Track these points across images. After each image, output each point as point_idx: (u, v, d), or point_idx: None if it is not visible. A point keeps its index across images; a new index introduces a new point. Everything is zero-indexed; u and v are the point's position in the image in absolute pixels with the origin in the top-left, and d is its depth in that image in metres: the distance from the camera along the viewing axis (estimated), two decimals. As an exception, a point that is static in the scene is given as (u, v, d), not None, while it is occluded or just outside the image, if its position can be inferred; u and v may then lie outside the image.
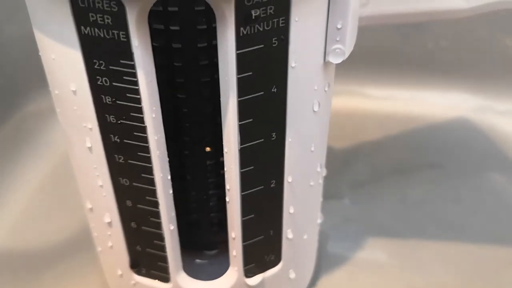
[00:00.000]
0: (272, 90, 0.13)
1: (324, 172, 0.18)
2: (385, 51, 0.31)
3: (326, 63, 0.14)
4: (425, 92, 0.32)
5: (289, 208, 0.16)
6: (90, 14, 0.12)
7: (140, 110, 0.13)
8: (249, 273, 0.17)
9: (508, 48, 0.30)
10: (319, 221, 0.19)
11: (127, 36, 0.12)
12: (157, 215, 0.15)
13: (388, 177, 0.27)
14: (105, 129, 0.13)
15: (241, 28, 0.12)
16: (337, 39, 0.14)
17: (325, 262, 0.22)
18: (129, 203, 0.15)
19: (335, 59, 0.14)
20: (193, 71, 0.14)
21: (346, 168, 0.27)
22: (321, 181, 0.18)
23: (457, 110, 0.31)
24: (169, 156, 0.14)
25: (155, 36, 0.13)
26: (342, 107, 0.30)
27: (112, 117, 0.13)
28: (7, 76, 0.27)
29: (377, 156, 0.28)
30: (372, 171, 0.27)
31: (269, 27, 0.12)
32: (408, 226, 0.24)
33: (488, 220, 0.24)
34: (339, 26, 0.13)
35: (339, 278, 0.21)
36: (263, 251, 0.17)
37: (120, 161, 0.14)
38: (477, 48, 0.31)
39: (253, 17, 0.12)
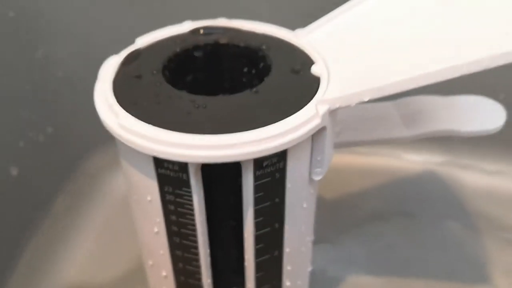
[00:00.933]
0: (275, 200, 0.21)
1: (312, 239, 0.25)
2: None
3: (310, 179, 0.21)
4: (401, 150, 0.39)
5: (287, 267, 0.24)
6: (165, 163, 0.19)
7: (192, 218, 0.20)
8: (259, 310, 0.25)
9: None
10: (309, 269, 0.27)
11: (188, 176, 0.19)
12: (199, 274, 0.23)
13: (368, 224, 0.34)
14: (169, 226, 0.21)
15: (256, 172, 0.19)
16: (318, 166, 0.21)
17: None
18: (180, 265, 0.23)
19: (317, 177, 0.21)
20: (226, 199, 0.21)
21: (332, 217, 0.34)
22: (309, 245, 0.25)
23: (427, 165, 0.39)
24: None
25: (204, 180, 0.20)
26: (332, 163, 0.37)
27: (173, 217, 0.21)
28: (75, 135, 0.35)
29: (359, 205, 0.35)
30: (354, 218, 0.34)
31: (274, 168, 0.19)
32: (381, 266, 0.31)
33: (445, 262, 0.32)
34: (319, 159, 0.21)
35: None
36: (270, 295, 0.24)
37: (177, 241, 0.22)
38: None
39: (264, 165, 0.19)
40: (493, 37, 0.18)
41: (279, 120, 0.18)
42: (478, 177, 0.38)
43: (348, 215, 0.34)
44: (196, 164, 0.19)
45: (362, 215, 0.35)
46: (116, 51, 0.22)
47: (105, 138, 0.33)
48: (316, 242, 0.28)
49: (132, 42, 0.23)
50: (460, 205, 0.36)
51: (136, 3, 0.33)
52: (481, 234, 0.34)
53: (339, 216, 0.34)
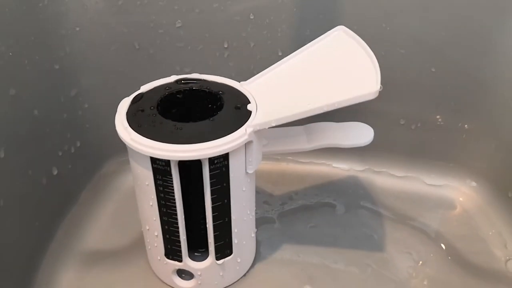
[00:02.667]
0: (224, 185, 0.34)
1: (253, 212, 0.39)
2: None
3: (246, 172, 0.35)
4: (332, 160, 0.53)
5: (234, 229, 0.37)
6: (157, 161, 0.33)
7: (173, 195, 0.34)
8: (217, 258, 0.38)
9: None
10: (253, 235, 0.40)
11: (170, 169, 0.33)
12: (178, 232, 0.36)
13: (302, 211, 0.48)
14: (159, 200, 0.34)
15: (211, 166, 0.33)
16: (249, 165, 0.34)
17: (258, 255, 0.43)
18: (165, 226, 0.36)
19: (250, 171, 0.35)
20: (193, 186, 0.35)
21: (277, 206, 0.48)
22: (251, 217, 0.38)
23: (351, 172, 0.52)
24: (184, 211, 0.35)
25: (180, 171, 0.33)
26: (280, 169, 0.51)
27: (162, 194, 0.34)
28: (95, 148, 0.49)
29: (297, 199, 0.49)
30: (292, 207, 0.48)
31: (221, 164, 0.33)
32: (307, 239, 0.45)
33: (352, 237, 0.45)
34: (250, 160, 0.34)
35: (267, 265, 0.42)
36: (223, 248, 0.37)
37: (164, 210, 0.35)
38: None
39: (215, 162, 0.33)
40: (340, 87, 0.32)
41: (224, 136, 0.32)
42: (389, 180, 0.52)
43: (288, 205, 0.48)
44: (175, 161, 0.32)
45: (298, 206, 0.48)
46: (125, 91, 0.36)
47: (116, 151, 0.47)
48: (264, 222, 0.42)
49: (137, 84, 0.37)
50: (372, 201, 0.49)
51: (140, 60, 0.48)
52: (384, 220, 0.47)
53: (282, 205, 0.48)
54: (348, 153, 0.52)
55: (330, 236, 0.45)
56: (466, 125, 0.48)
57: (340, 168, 0.52)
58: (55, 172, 0.43)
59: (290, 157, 0.53)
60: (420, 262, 0.43)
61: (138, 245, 0.42)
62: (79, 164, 0.46)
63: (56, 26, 0.42)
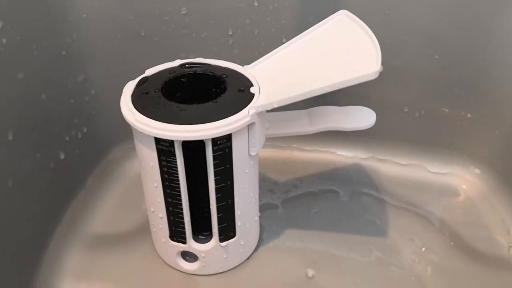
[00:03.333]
0: (227, 166, 0.35)
1: (257, 195, 0.39)
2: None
3: (249, 154, 0.35)
4: (336, 148, 0.53)
5: (237, 211, 0.37)
6: (161, 141, 0.33)
7: (177, 176, 0.34)
8: (221, 241, 0.38)
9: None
10: (256, 218, 0.41)
11: (174, 149, 0.33)
12: (182, 214, 0.36)
13: (305, 198, 0.48)
14: (164, 182, 0.35)
15: (214, 147, 0.33)
16: (252, 147, 0.35)
17: (261, 241, 0.43)
18: (170, 208, 0.37)
19: (253, 153, 0.35)
20: (197, 167, 0.35)
21: (282, 192, 0.48)
22: (254, 200, 0.39)
23: (355, 159, 0.53)
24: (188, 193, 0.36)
25: (184, 152, 0.34)
26: (284, 156, 0.52)
27: (166, 175, 0.35)
28: (102, 134, 0.49)
29: (302, 186, 0.49)
30: (296, 194, 0.48)
31: (224, 146, 0.33)
32: (311, 224, 0.45)
33: (355, 223, 0.45)
34: (253, 142, 0.35)
35: (270, 250, 0.43)
36: (227, 230, 0.38)
37: (168, 192, 0.36)
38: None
39: (218, 143, 0.33)
40: (341, 69, 0.32)
41: (227, 117, 0.33)
42: (392, 168, 0.52)
43: (292, 192, 0.48)
44: (179, 142, 0.33)
45: (303, 193, 0.49)
46: (130, 77, 0.37)
47: (123, 137, 0.48)
48: (268, 207, 0.42)
49: (143, 72, 0.38)
50: (376, 188, 0.50)
51: (145, 47, 0.48)
52: (387, 207, 0.47)
53: (286, 192, 0.48)
54: (352, 140, 0.52)
55: (334, 223, 0.45)
56: (469, 113, 0.48)
57: (344, 155, 0.53)
58: (62, 157, 0.43)
59: (295, 145, 0.53)
60: (424, 248, 0.43)
61: (144, 229, 0.43)
62: (86, 150, 0.47)
63: (63, 12, 0.43)
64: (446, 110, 0.49)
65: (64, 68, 0.44)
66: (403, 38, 0.46)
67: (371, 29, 0.34)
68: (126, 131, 0.34)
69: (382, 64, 0.31)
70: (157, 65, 0.38)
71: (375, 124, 0.39)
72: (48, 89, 0.41)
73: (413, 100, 0.49)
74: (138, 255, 0.42)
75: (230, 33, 0.47)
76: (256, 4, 0.46)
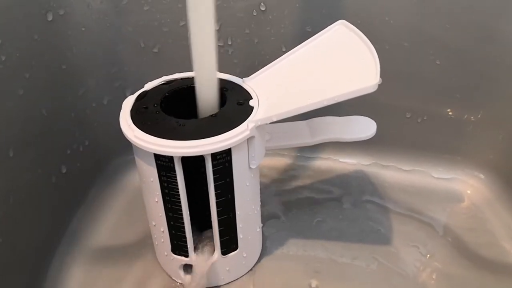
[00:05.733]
0: (227, 180, 0.34)
1: (258, 207, 0.39)
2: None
3: (249, 167, 0.35)
4: (339, 155, 0.53)
5: (239, 224, 0.37)
6: (161, 157, 0.33)
7: (177, 191, 0.34)
8: (223, 253, 0.38)
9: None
10: (258, 229, 0.40)
11: (174, 165, 0.33)
12: (183, 228, 0.36)
13: (308, 206, 0.48)
14: (164, 197, 0.35)
15: (213, 162, 0.33)
16: (252, 160, 0.35)
17: (264, 250, 0.43)
18: (171, 222, 0.36)
19: (253, 166, 0.35)
20: (197, 182, 0.35)
21: (284, 201, 0.48)
22: (256, 212, 0.39)
23: (358, 166, 0.52)
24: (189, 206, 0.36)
25: (184, 167, 0.34)
26: (287, 165, 0.52)
27: (166, 190, 0.35)
28: (103, 147, 0.49)
29: (304, 193, 0.49)
30: (299, 202, 0.48)
31: (224, 160, 0.33)
32: (313, 234, 0.45)
33: (358, 231, 0.45)
34: (253, 155, 0.35)
35: (273, 260, 0.43)
36: (229, 243, 0.38)
37: (169, 206, 0.35)
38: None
39: (217, 158, 0.33)
40: (340, 81, 0.32)
41: (226, 132, 0.32)
42: (395, 174, 0.52)
43: (295, 200, 0.48)
44: (178, 157, 0.33)
45: (305, 201, 0.48)
46: (131, 89, 0.37)
47: (124, 149, 0.48)
48: (270, 217, 0.42)
49: (142, 83, 0.38)
50: (379, 195, 0.49)
51: (145, 59, 0.48)
52: (391, 213, 0.47)
53: (289, 200, 0.48)
54: (355, 147, 0.52)
55: (337, 230, 0.45)
56: (472, 117, 0.48)
57: (347, 162, 0.53)
58: (64, 171, 0.43)
59: (297, 153, 0.53)
60: (428, 255, 0.43)
61: (146, 241, 0.43)
62: (88, 162, 0.47)
63: (62, 27, 0.43)
64: (449, 115, 0.48)
65: (64, 82, 0.44)
66: (403, 45, 0.45)
67: (371, 35, 0.34)
68: (127, 143, 0.34)
69: (383, 70, 0.31)
70: (157, 75, 0.38)
71: (377, 130, 0.39)
72: (48, 103, 0.41)
73: (415, 106, 0.49)
74: (141, 267, 0.42)
75: (230, 42, 0.47)
76: (255, 13, 0.46)
